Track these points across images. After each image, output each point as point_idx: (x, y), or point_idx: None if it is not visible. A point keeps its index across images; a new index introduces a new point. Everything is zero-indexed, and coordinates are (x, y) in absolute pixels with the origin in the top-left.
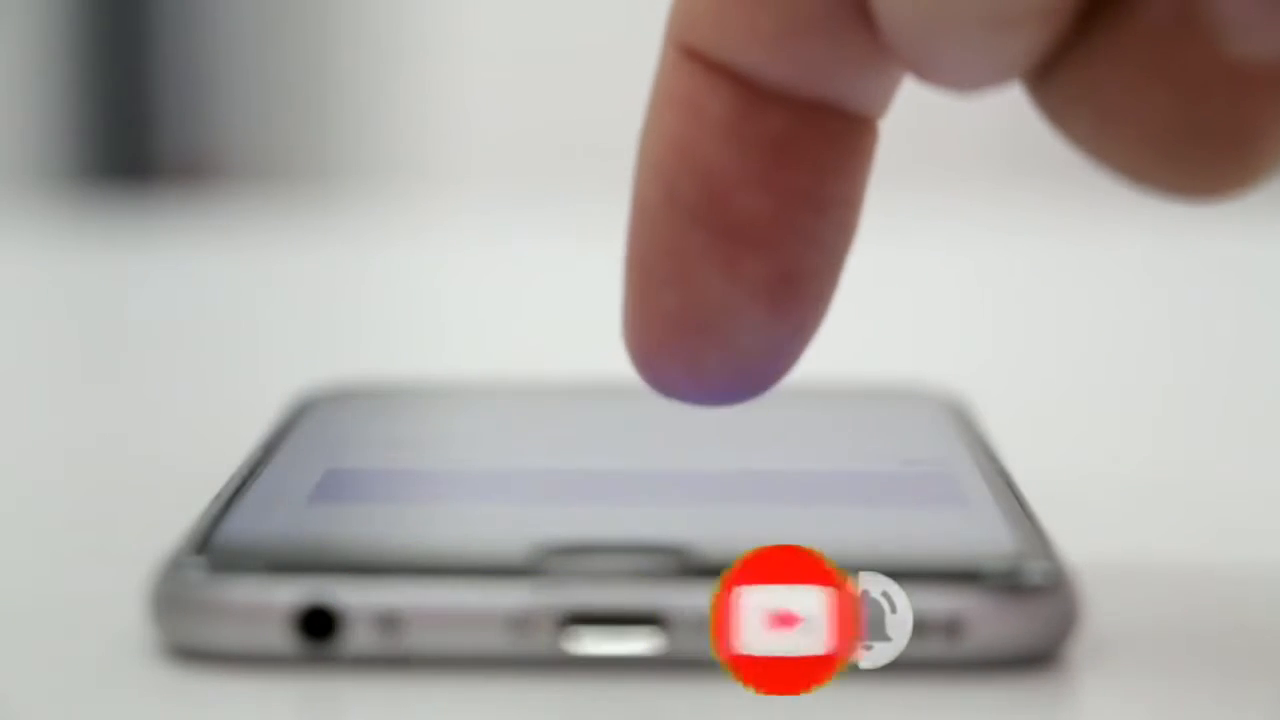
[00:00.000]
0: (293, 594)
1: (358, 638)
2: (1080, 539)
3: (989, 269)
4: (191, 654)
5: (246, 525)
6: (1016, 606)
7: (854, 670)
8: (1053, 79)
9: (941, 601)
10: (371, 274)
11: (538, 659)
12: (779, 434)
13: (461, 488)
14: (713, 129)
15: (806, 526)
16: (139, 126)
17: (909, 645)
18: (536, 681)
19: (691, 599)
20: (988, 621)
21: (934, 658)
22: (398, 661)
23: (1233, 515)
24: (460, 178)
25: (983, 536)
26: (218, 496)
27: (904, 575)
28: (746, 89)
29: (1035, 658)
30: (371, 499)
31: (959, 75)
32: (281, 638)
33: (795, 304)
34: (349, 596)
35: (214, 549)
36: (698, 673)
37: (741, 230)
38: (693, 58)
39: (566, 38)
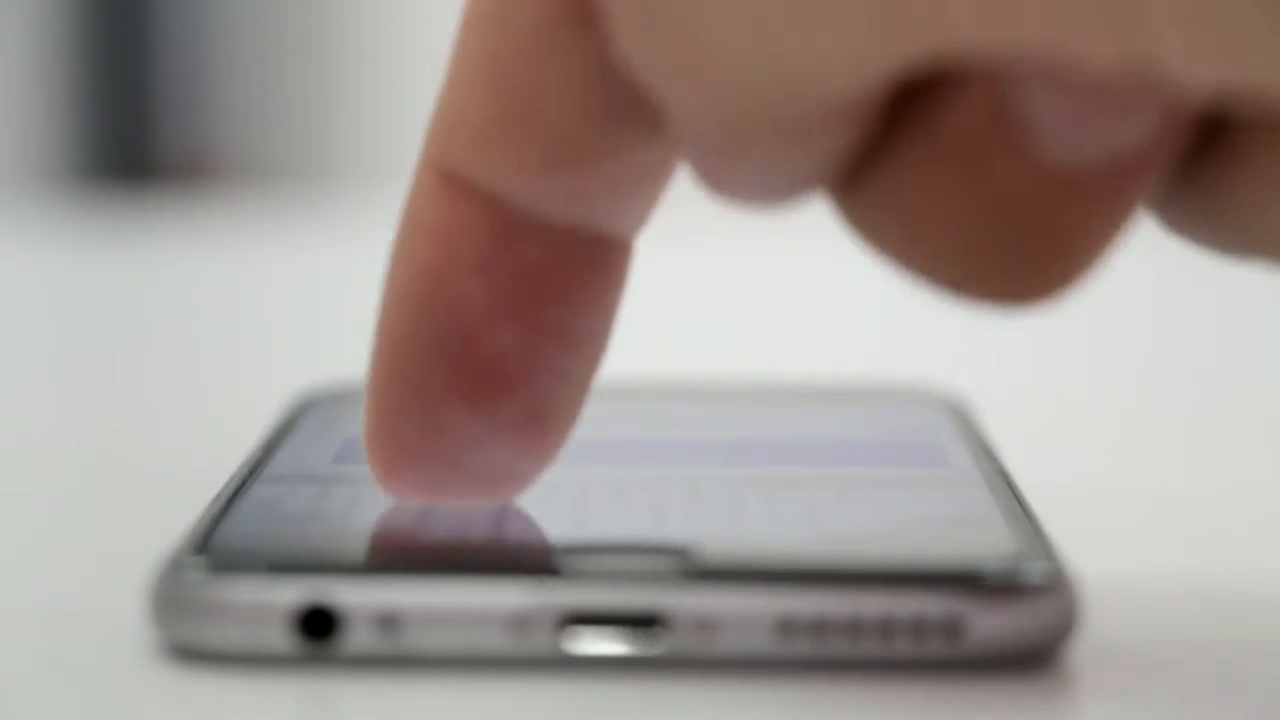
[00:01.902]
0: (293, 594)
1: (358, 638)
2: (1080, 539)
3: None
4: (191, 654)
5: (246, 525)
6: (1016, 606)
7: (854, 670)
8: (857, 192)
9: (941, 601)
10: (371, 274)
11: (538, 659)
12: (779, 435)
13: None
14: (466, 261)
15: (807, 528)
16: (139, 126)
17: (909, 645)
18: (536, 681)
19: (692, 599)
20: (987, 621)
21: (934, 658)
22: (398, 661)
23: (1233, 516)
24: None
25: (983, 536)
26: (218, 496)
27: (904, 575)
28: (503, 217)
29: (1035, 658)
30: (371, 498)
31: (747, 188)
32: (281, 638)
33: (541, 438)
34: (349, 596)
35: (214, 549)
36: (698, 673)
37: (489, 369)
38: (450, 183)
39: None
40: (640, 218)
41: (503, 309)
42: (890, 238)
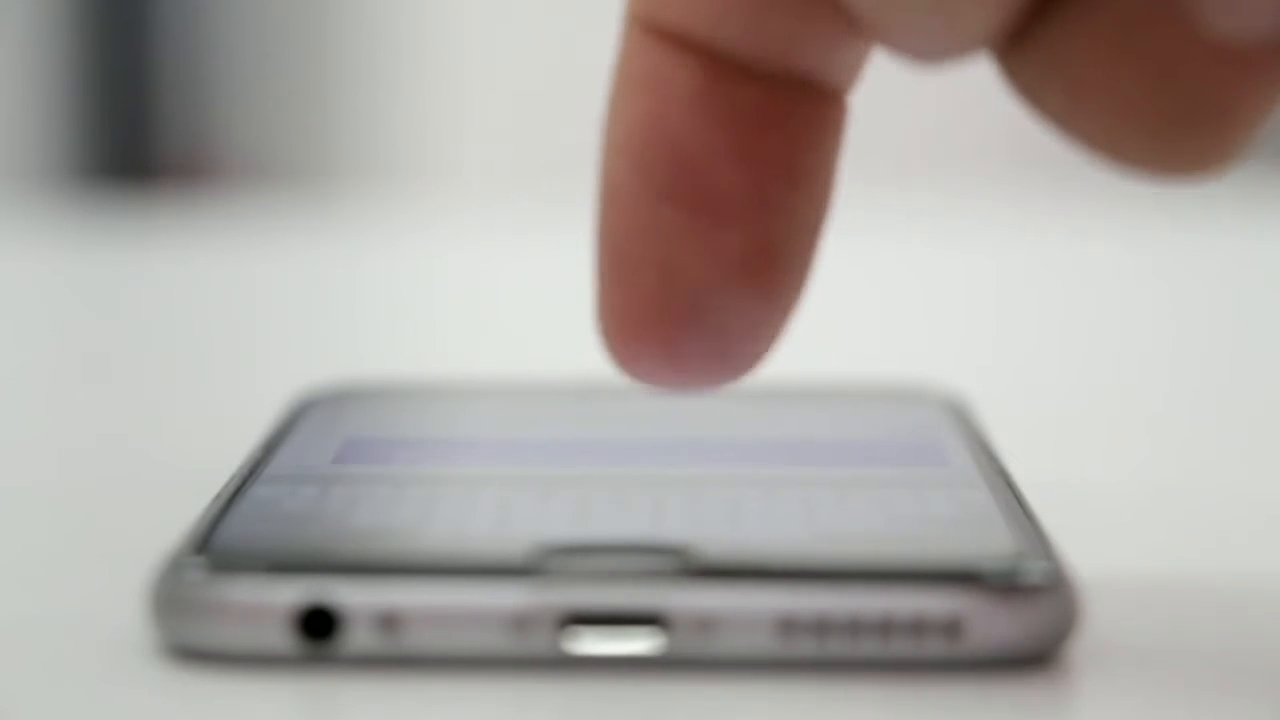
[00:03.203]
0: (293, 594)
1: (358, 638)
2: (1080, 539)
3: (990, 269)
4: (191, 654)
5: (246, 525)
6: (1016, 606)
7: (854, 670)
8: (1023, 53)
9: (941, 601)
10: (371, 273)
11: (538, 659)
12: (779, 434)
13: (461, 488)
14: (681, 103)
15: (807, 527)
16: (139, 126)
17: (909, 645)
18: (536, 681)
19: (691, 599)
20: (987, 621)
21: (934, 658)
22: (398, 661)
23: (1233, 516)
24: (460, 177)
25: (983, 536)
26: (218, 496)
27: (904, 575)
28: (714, 63)
29: (1035, 658)
30: (371, 498)
31: (921, 44)
32: (281, 638)
33: (773, 279)
34: (349, 596)
35: (214, 549)
36: (698, 673)
37: (715, 204)
38: (657, 35)
39: (566, 37)
40: (850, 71)
41: (723, 146)
42: (1052, 101)
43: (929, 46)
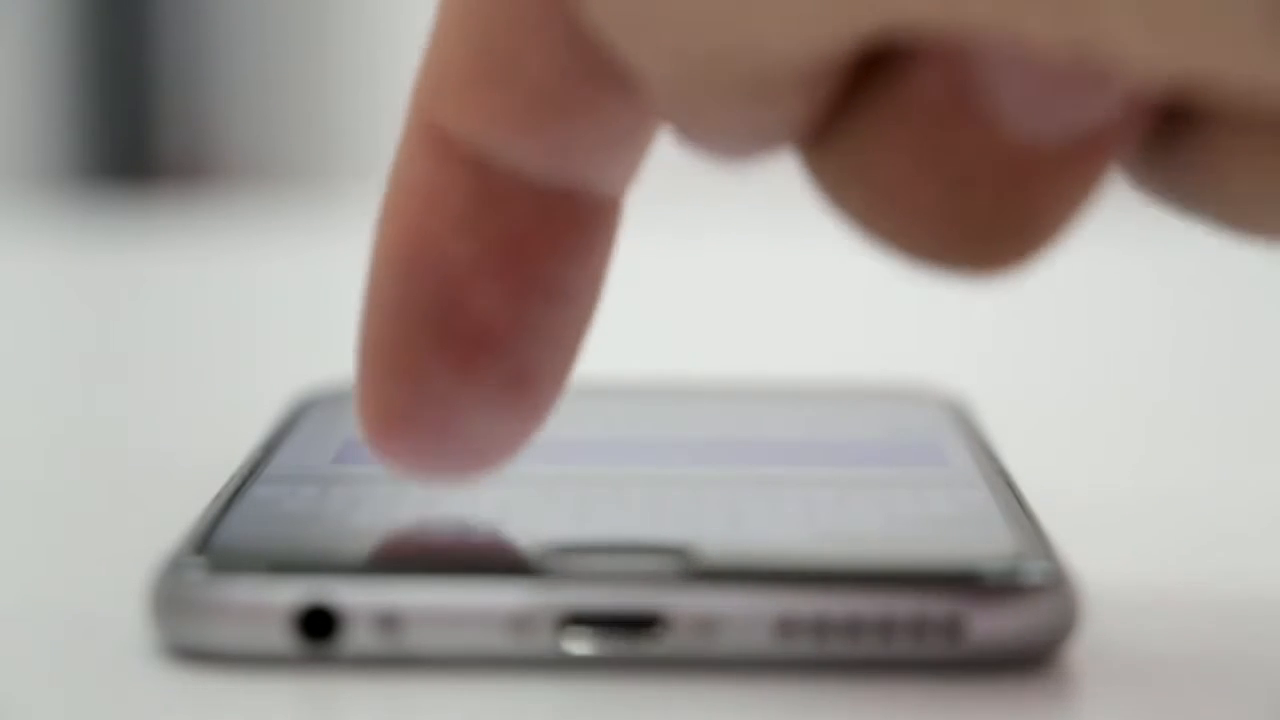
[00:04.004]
0: (293, 594)
1: (358, 638)
2: (1080, 539)
3: None
4: (191, 654)
5: (246, 525)
6: (1016, 606)
7: (854, 670)
8: (824, 152)
9: (941, 601)
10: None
11: (538, 659)
12: (779, 435)
13: (461, 488)
14: (451, 221)
15: (806, 527)
16: (139, 126)
17: (909, 645)
18: (536, 681)
19: (691, 599)
20: (987, 621)
21: (934, 658)
22: (398, 661)
23: (1233, 515)
24: None
25: (983, 536)
26: (218, 496)
27: (904, 575)
28: (488, 177)
29: (1035, 658)
30: (371, 498)
31: (719, 142)
32: (281, 638)
33: (529, 399)
34: (349, 596)
35: (214, 549)
36: (698, 673)
37: (474, 331)
38: (435, 140)
39: None
40: (626, 176)
41: (487, 268)
42: (854, 202)
43: (726, 147)
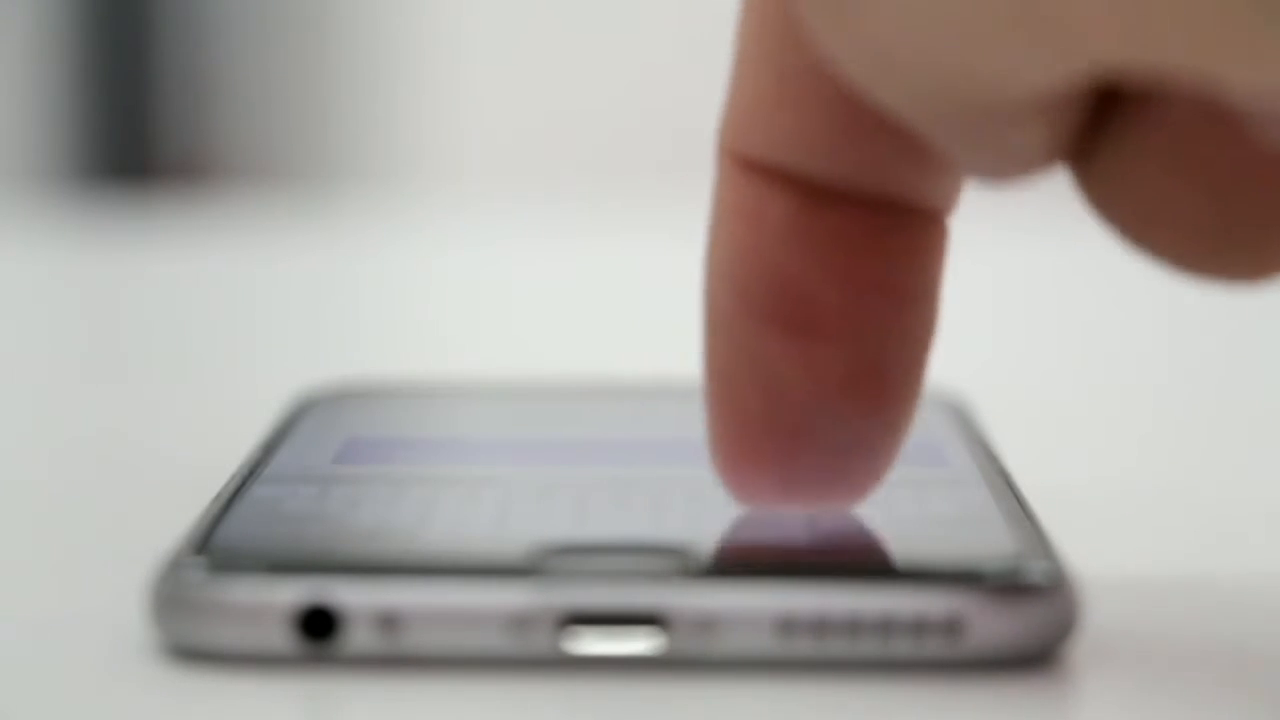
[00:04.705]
0: (293, 594)
1: (358, 638)
2: (1080, 539)
3: (989, 269)
4: (191, 654)
5: (247, 525)
6: (1016, 606)
7: (854, 670)
8: (1091, 169)
9: (941, 601)
10: (371, 274)
11: (538, 659)
12: None
13: (461, 488)
14: (778, 232)
15: (807, 527)
16: (139, 126)
17: (909, 645)
18: (536, 681)
19: (691, 599)
20: (988, 621)
21: (934, 658)
22: (398, 661)
23: (1234, 515)
24: (459, 177)
25: (983, 536)
26: (218, 496)
27: (904, 575)
28: (806, 191)
29: (1035, 658)
30: (371, 498)
31: (982, 168)
32: (281, 638)
33: (878, 397)
34: (349, 596)
35: (214, 549)
36: (698, 673)
37: (816, 325)
38: (747, 165)
39: (566, 38)
40: (946, 193)
41: (821, 269)
42: (1121, 215)
43: (990, 170)
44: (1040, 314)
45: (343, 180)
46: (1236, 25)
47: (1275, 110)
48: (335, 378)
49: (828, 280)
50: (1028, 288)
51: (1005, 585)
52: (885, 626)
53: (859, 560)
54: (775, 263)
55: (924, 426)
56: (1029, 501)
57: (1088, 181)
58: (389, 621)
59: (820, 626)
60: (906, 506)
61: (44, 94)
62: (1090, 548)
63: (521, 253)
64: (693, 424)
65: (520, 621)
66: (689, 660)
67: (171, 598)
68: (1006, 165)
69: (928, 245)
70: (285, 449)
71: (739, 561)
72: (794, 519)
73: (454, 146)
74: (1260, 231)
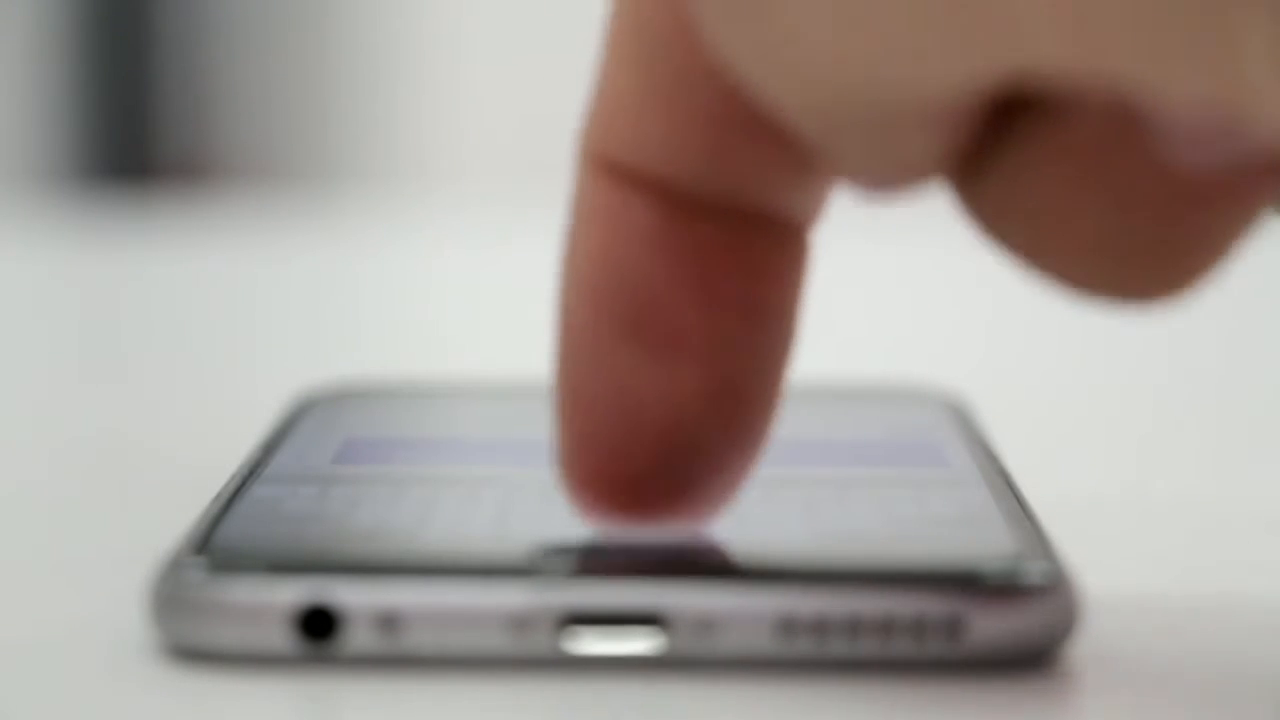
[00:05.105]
0: (293, 594)
1: (358, 638)
2: (1080, 539)
3: (989, 269)
4: (191, 654)
5: (247, 525)
6: (1016, 606)
7: (854, 670)
8: (979, 183)
9: (941, 601)
10: (371, 274)
11: (537, 659)
12: (779, 434)
13: (461, 488)
14: (638, 241)
15: (807, 527)
16: (139, 126)
17: (909, 645)
18: (536, 681)
19: (691, 599)
20: (987, 621)
21: (934, 658)
22: (398, 661)
23: (1234, 516)
24: (458, 178)
25: (983, 536)
26: (218, 496)
27: (904, 575)
28: (669, 200)
29: (1035, 658)
30: (370, 498)
31: (866, 175)
32: (281, 638)
33: (734, 417)
34: (349, 596)
35: (214, 549)
36: (698, 673)
37: (675, 342)
38: (611, 169)
39: (566, 38)
40: (811, 206)
41: (681, 282)
42: (1012, 232)
43: (875, 177)
44: (1040, 314)
45: (343, 180)
46: (1187, 30)
47: (1193, 125)
48: (335, 378)
49: (688, 296)
50: (1028, 287)
51: (1005, 585)
52: (885, 627)
53: (859, 560)
54: (636, 273)
55: (924, 426)
56: (1029, 501)
57: (976, 195)
58: (389, 621)
59: (820, 627)
60: (906, 507)
61: (44, 94)
62: (1090, 548)
63: (522, 253)
64: None
65: (520, 621)
66: (689, 660)
67: (172, 598)
68: (893, 174)
69: (790, 261)
70: (285, 449)
71: (739, 561)
72: (794, 519)
73: (454, 146)
74: (1153, 254)
